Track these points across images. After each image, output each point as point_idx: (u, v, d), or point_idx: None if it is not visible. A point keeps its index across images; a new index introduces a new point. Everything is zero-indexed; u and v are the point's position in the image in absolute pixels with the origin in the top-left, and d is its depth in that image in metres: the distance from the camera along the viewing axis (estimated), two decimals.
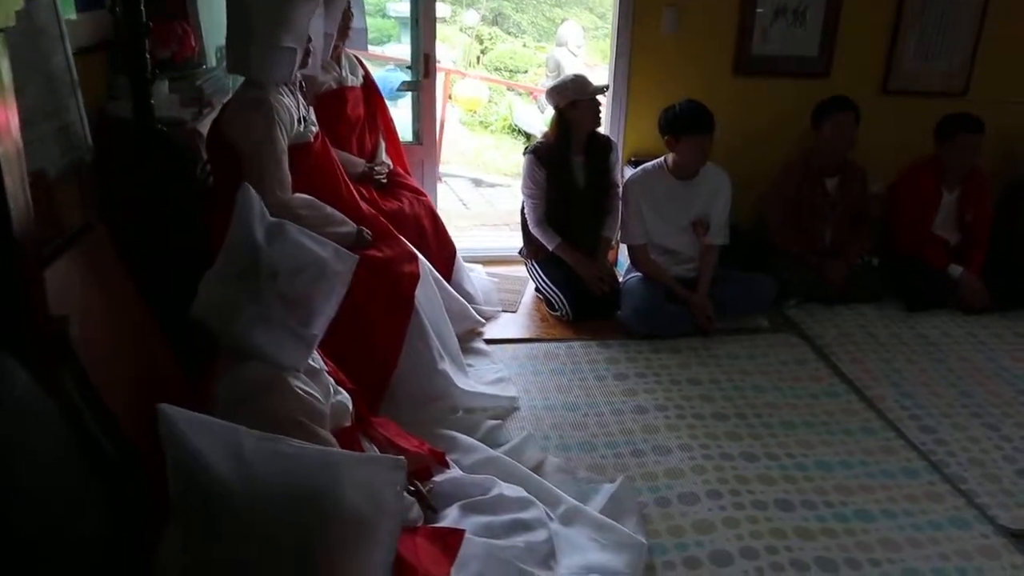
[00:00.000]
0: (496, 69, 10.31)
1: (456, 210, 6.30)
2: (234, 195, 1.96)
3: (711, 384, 3.32)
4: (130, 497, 1.76)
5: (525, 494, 2.29)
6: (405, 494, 2.04)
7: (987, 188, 4.31)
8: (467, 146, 8.37)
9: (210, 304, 1.82)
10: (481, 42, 10.95)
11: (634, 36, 4.23)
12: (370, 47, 8.22)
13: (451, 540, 1.96)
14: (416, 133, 4.45)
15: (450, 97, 8.47)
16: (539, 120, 8.15)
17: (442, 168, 6.97)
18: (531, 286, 4.15)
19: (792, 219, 4.19)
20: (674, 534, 2.42)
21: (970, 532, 2.49)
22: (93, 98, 2.53)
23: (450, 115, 8.24)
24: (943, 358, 3.63)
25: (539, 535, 2.13)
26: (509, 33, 11.45)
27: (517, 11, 11.82)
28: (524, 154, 3.95)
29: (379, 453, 2.14)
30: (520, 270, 4.26)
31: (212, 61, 3.38)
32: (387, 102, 3.94)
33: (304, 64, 2.83)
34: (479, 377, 3.23)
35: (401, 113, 4.72)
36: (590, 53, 9.44)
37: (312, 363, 1.97)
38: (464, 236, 5.07)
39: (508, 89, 9.66)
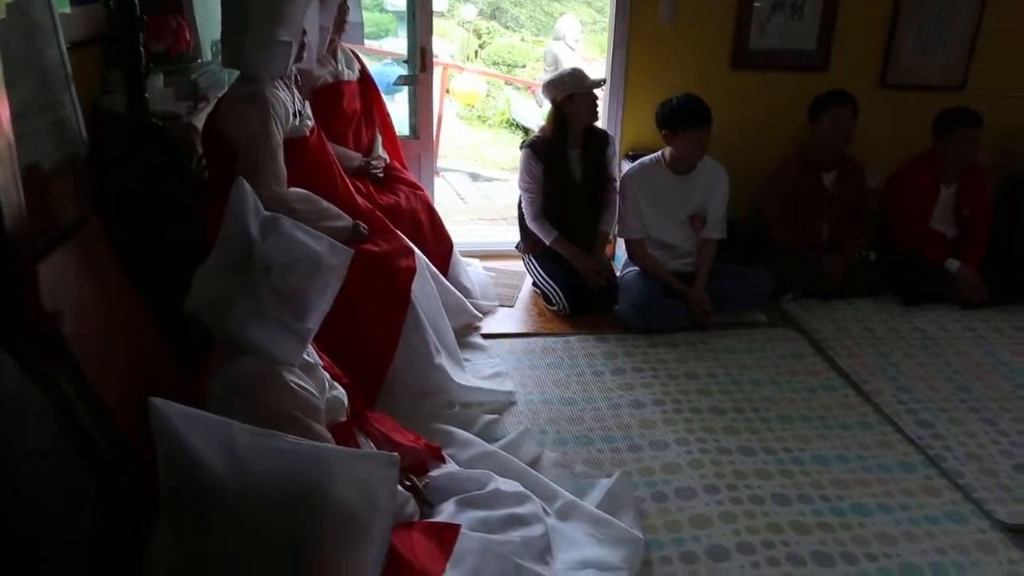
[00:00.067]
0: (494, 63, 10.28)
1: (454, 204, 6.29)
2: (229, 189, 1.95)
3: (708, 378, 3.32)
4: (124, 491, 1.76)
5: (521, 489, 2.28)
6: (401, 489, 2.04)
7: (985, 182, 4.30)
8: (465, 140, 8.35)
9: (204, 298, 1.81)
10: (479, 36, 10.93)
11: (631, 27, 4.22)
12: (368, 41, 8.22)
13: (447, 535, 1.95)
14: (413, 127, 4.44)
15: (448, 91, 8.45)
16: (537, 114, 8.13)
17: (440, 162, 6.96)
18: (528, 280, 4.14)
19: (789, 213, 4.18)
20: (671, 529, 2.42)
21: (967, 527, 2.49)
22: (87, 92, 2.52)
23: (448, 109, 8.21)
24: (940, 352, 3.63)
25: (535, 530, 2.13)
26: (507, 27, 11.42)
27: (515, 5, 11.79)
28: (521, 148, 3.95)
29: (375, 448, 2.14)
30: (517, 264, 4.25)
31: (207, 55, 3.37)
32: (384, 96, 3.93)
33: (299, 58, 2.82)
34: (476, 372, 3.23)
35: (398, 107, 4.72)
36: (588, 47, 9.42)
37: (307, 358, 1.96)
38: (462, 230, 5.07)
39: (506, 83, 9.64)
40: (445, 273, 3.56)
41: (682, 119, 3.67)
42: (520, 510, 2.17)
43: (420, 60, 4.26)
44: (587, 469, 2.69)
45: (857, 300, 4.13)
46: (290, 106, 2.79)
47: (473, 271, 4.03)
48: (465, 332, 3.54)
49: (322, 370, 2.04)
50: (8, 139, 1.56)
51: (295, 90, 2.89)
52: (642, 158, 3.93)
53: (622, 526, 2.29)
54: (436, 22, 4.42)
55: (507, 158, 7.64)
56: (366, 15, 9.01)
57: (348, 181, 3.14)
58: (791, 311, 4.00)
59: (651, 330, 3.68)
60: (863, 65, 4.46)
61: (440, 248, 3.64)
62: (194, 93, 2.96)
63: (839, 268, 4.11)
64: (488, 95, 9.38)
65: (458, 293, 3.55)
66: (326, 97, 3.40)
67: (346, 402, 2.07)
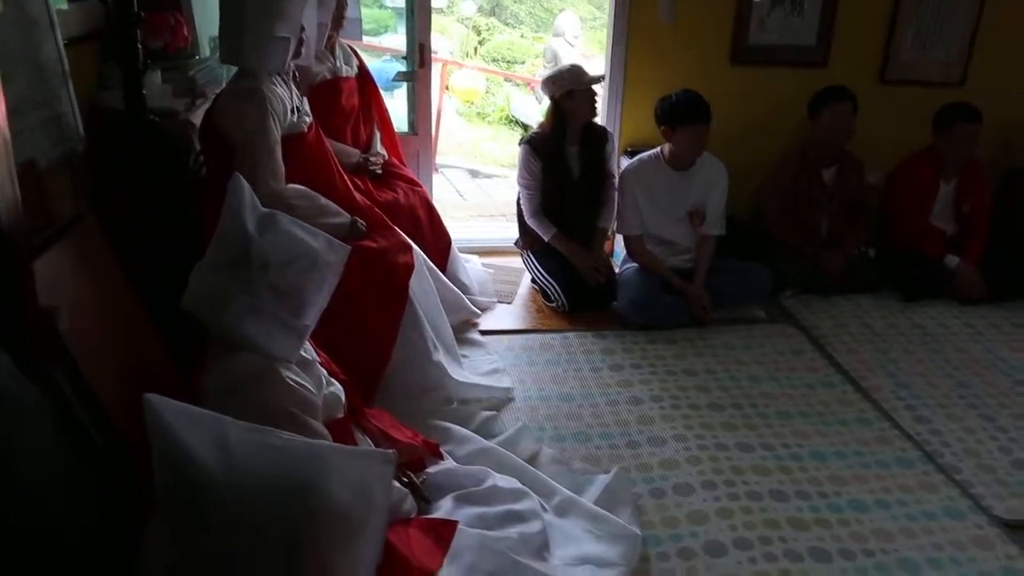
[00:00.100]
0: (494, 60, 10.27)
1: (453, 201, 6.28)
2: (227, 186, 1.95)
3: (707, 375, 3.32)
4: (120, 489, 1.76)
5: (519, 485, 2.28)
6: (398, 485, 2.04)
7: (985, 178, 4.30)
8: (464, 137, 8.35)
9: (201, 295, 1.81)
10: (479, 33, 10.91)
11: (631, 24, 4.22)
12: (367, 38, 8.20)
13: (444, 531, 1.95)
14: (411, 123, 4.44)
15: (447, 88, 8.45)
16: (536, 111, 8.12)
17: (439, 159, 6.96)
18: (527, 277, 4.14)
19: (789, 210, 4.18)
20: (668, 525, 2.42)
21: (964, 522, 2.49)
22: (85, 88, 2.52)
23: (447, 106, 8.21)
24: (939, 349, 3.63)
25: (533, 526, 2.12)
26: (507, 24, 11.40)
27: (515, 1, 11.77)
28: (520, 144, 3.94)
29: (372, 444, 2.14)
30: (516, 261, 4.25)
31: (206, 51, 3.37)
32: (383, 93, 3.93)
33: (297, 54, 2.82)
34: (474, 368, 3.23)
35: (397, 104, 4.71)
36: (587, 43, 9.41)
37: (304, 354, 1.96)
38: (460, 227, 5.06)
39: (505, 80, 9.63)
40: (443, 269, 3.56)
41: (681, 115, 3.66)
42: (518, 506, 2.16)
43: (419, 56, 4.25)
44: (585, 465, 2.69)
45: (856, 296, 4.13)
46: (288, 102, 2.78)
47: (471, 267, 4.03)
48: (463, 328, 3.54)
49: (319, 366, 2.04)
50: (4, 135, 1.56)
51: (293, 86, 2.88)
52: (641, 154, 3.92)
53: (620, 522, 2.29)
54: (435, 18, 4.42)
55: (506, 155, 7.64)
56: (365, 11, 8.98)
57: (346, 177, 3.13)
58: (790, 307, 4.00)
59: (650, 326, 3.68)
60: (863, 61, 4.45)
61: (438, 244, 3.64)
62: (192, 89, 2.96)
63: (838, 264, 4.11)
64: (487, 91, 9.38)
65: (456, 289, 3.55)
66: (324, 93, 3.40)
67: (343, 398, 2.07)
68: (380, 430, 2.21)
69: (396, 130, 3.98)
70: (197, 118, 2.84)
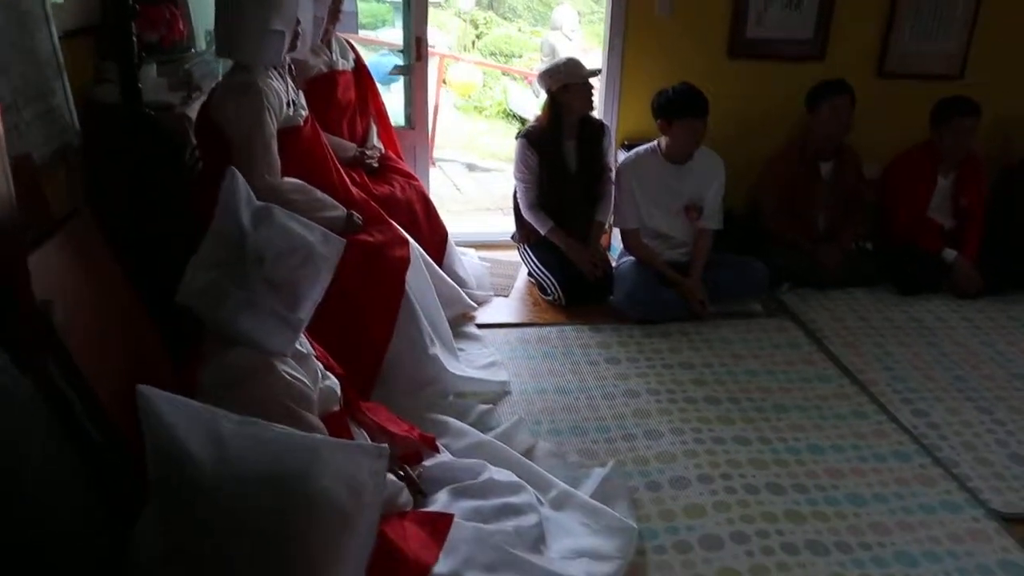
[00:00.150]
0: (491, 54, 10.25)
1: (450, 195, 6.27)
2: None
3: (704, 368, 3.32)
4: (117, 484, 1.76)
5: (515, 478, 2.28)
6: (394, 479, 2.05)
7: (983, 173, 4.30)
8: (461, 131, 8.34)
9: (196, 289, 1.80)
10: (476, 27, 10.88)
11: (628, 18, 4.21)
12: (364, 32, 8.19)
13: (440, 524, 1.96)
14: (408, 117, 4.43)
15: (444, 82, 8.43)
16: (534, 105, 8.11)
17: (436, 153, 6.94)
18: (523, 270, 4.14)
19: (786, 204, 4.17)
20: (665, 518, 2.42)
21: (961, 516, 2.50)
22: (80, 83, 2.51)
23: (444, 100, 8.19)
24: (937, 342, 3.63)
25: (529, 519, 2.13)
26: (504, 18, 11.37)
27: None
28: (516, 138, 3.94)
29: (368, 438, 2.14)
30: (513, 254, 4.25)
31: (201, 45, 3.36)
32: (380, 87, 3.92)
33: (293, 47, 2.81)
34: (470, 361, 3.22)
35: (393, 97, 4.70)
36: (585, 37, 9.39)
37: (300, 348, 1.96)
38: (458, 221, 5.06)
39: (503, 74, 9.61)
40: (440, 263, 3.56)
41: (678, 108, 3.65)
42: (514, 499, 2.17)
43: (415, 50, 4.24)
44: (581, 459, 2.70)
45: (853, 290, 4.13)
46: (284, 96, 2.78)
47: (468, 261, 4.03)
48: (460, 322, 3.54)
49: (315, 360, 2.04)
50: None
51: (289, 80, 2.88)
52: (638, 148, 3.92)
53: (616, 515, 2.29)
54: (433, 12, 4.41)
55: (504, 149, 7.62)
56: (362, 5, 8.98)
57: (343, 171, 3.13)
58: (787, 301, 4.00)
59: (646, 320, 3.68)
60: (861, 54, 4.44)
61: (435, 238, 3.64)
62: (188, 83, 2.96)
63: (836, 258, 4.10)
64: (485, 85, 9.36)
65: (453, 283, 3.54)
66: (320, 87, 3.39)
67: (339, 392, 2.07)
68: (376, 424, 2.22)
69: (393, 124, 3.98)
70: (193, 112, 2.83)
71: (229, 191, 1.87)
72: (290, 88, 2.86)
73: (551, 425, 2.89)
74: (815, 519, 2.45)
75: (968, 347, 3.59)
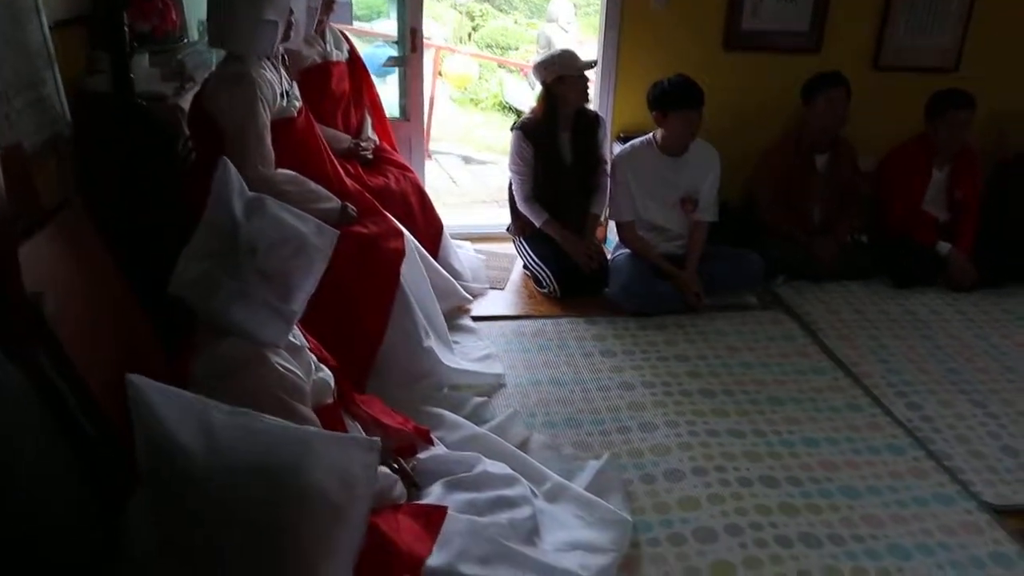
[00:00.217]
0: (487, 46, 10.23)
1: (445, 187, 6.26)
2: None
3: (699, 360, 3.32)
4: (109, 477, 1.75)
5: (510, 471, 2.28)
6: (388, 471, 2.04)
7: (978, 166, 4.29)
8: (457, 123, 8.32)
9: (188, 280, 1.79)
10: (472, 19, 10.86)
11: (624, 10, 4.20)
12: (359, 23, 8.16)
13: (434, 517, 1.95)
14: (403, 109, 4.42)
15: (440, 74, 8.41)
16: (530, 97, 8.10)
17: (432, 145, 6.93)
18: (519, 263, 4.13)
19: (782, 196, 4.17)
20: (659, 511, 2.42)
21: (954, 508, 2.50)
22: (72, 72, 2.50)
23: (440, 92, 8.17)
24: (931, 335, 3.63)
25: (523, 512, 2.12)
26: (500, 10, 11.35)
27: None
28: (511, 130, 3.92)
29: (362, 431, 2.13)
30: (508, 247, 4.24)
31: (194, 35, 3.34)
32: (375, 78, 3.90)
33: (286, 37, 2.79)
34: (465, 354, 3.22)
35: (388, 89, 4.68)
36: (581, 29, 9.37)
37: (293, 339, 1.95)
38: (453, 213, 5.05)
39: (499, 66, 9.59)
40: (435, 255, 3.55)
41: (673, 100, 3.65)
42: (508, 492, 2.16)
43: (410, 41, 4.23)
44: (576, 451, 2.69)
45: (848, 283, 4.13)
46: (277, 87, 2.76)
47: (464, 253, 4.02)
48: (455, 315, 3.53)
49: (309, 352, 2.03)
50: None
51: (282, 70, 2.86)
52: (633, 140, 3.91)
53: (610, 508, 2.29)
54: (429, 4, 4.39)
55: (499, 141, 7.60)
56: None
57: (337, 163, 3.11)
58: (782, 294, 4.00)
59: (641, 313, 3.68)
60: (856, 47, 4.43)
61: (430, 230, 3.63)
62: (181, 74, 2.94)
63: (831, 251, 4.10)
64: (481, 78, 9.34)
65: (448, 276, 3.53)
66: (314, 78, 3.37)
67: (332, 384, 2.06)
68: (370, 416, 2.21)
69: (387, 116, 3.96)
70: (186, 103, 2.82)
71: (221, 181, 1.86)
72: (283, 79, 2.84)
73: (546, 418, 2.89)
74: (809, 511, 2.45)
75: (962, 340, 3.59)
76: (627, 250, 3.87)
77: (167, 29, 2.96)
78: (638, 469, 2.61)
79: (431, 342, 2.99)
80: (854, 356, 3.41)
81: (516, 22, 11.02)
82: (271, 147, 2.67)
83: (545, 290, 3.87)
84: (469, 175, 6.77)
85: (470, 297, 3.69)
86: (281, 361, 1.83)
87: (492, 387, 3.05)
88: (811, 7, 4.31)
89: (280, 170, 2.71)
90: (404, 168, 3.71)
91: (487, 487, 2.16)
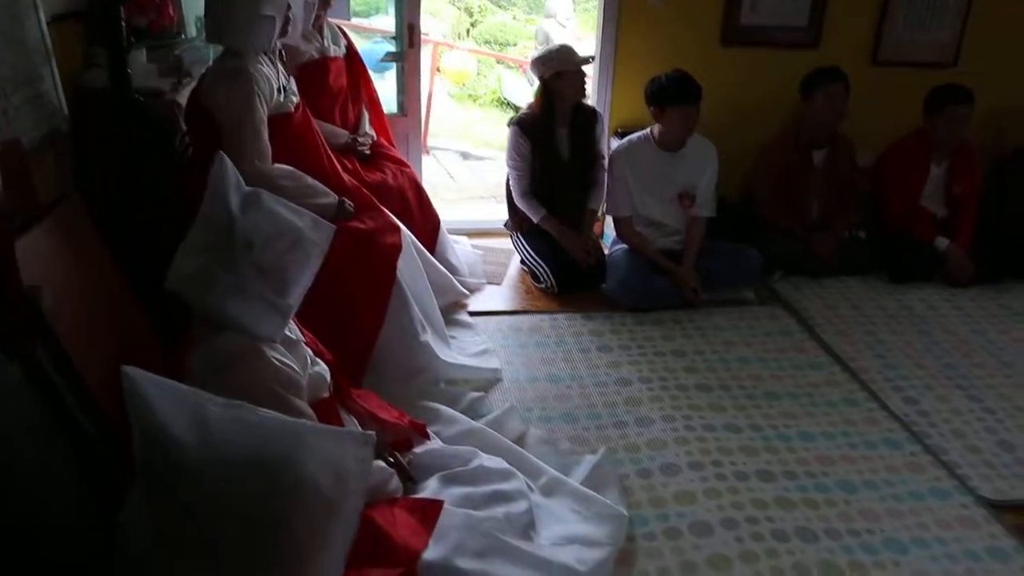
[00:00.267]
0: (486, 42, 10.23)
1: (444, 183, 6.26)
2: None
3: (695, 356, 3.32)
4: (108, 474, 1.75)
5: (506, 465, 2.28)
6: (384, 465, 2.05)
7: (976, 161, 4.29)
8: (455, 119, 8.32)
9: (185, 274, 1.79)
10: (471, 15, 10.86)
11: (622, 5, 4.19)
12: (357, 19, 8.15)
13: (430, 511, 1.96)
14: (401, 105, 4.42)
15: (438, 70, 8.40)
16: (528, 93, 8.09)
17: (430, 141, 6.93)
18: (516, 258, 4.13)
19: (780, 192, 4.17)
20: (655, 505, 2.43)
21: (950, 503, 2.50)
22: (69, 68, 2.50)
23: (438, 88, 8.16)
24: (928, 330, 3.63)
25: (519, 506, 2.13)
26: (499, 6, 11.35)
27: None
28: (508, 125, 3.92)
29: (358, 425, 2.13)
30: (505, 242, 4.24)
31: (192, 31, 3.34)
32: (373, 74, 3.90)
33: (284, 33, 2.79)
34: (462, 349, 3.22)
35: (386, 85, 4.68)
36: (579, 25, 9.37)
37: (289, 334, 1.95)
38: (451, 209, 5.05)
39: (497, 62, 9.59)
40: (432, 251, 3.55)
41: (671, 95, 3.65)
42: (504, 486, 2.17)
43: (408, 37, 4.22)
44: (572, 446, 2.70)
45: (846, 278, 4.13)
46: (274, 82, 2.76)
47: (461, 249, 4.03)
48: (452, 310, 3.54)
49: (304, 346, 2.04)
50: None
51: (280, 66, 2.86)
52: (631, 135, 3.91)
53: (606, 502, 2.30)
54: (427, 0, 4.38)
55: (497, 137, 7.59)
56: None
57: (334, 158, 3.11)
58: (780, 289, 4.00)
59: (639, 308, 3.68)
60: (855, 42, 4.43)
61: (427, 225, 3.63)
62: (178, 69, 2.94)
63: (829, 247, 4.10)
64: (479, 74, 9.34)
65: (445, 271, 3.54)
66: (312, 73, 3.37)
67: (328, 378, 2.06)
68: (366, 410, 2.21)
69: (385, 111, 3.96)
70: (183, 98, 2.81)
71: (218, 176, 1.86)
72: (281, 74, 2.84)
73: (542, 412, 2.89)
74: (805, 506, 2.46)
75: (959, 335, 3.60)
76: (624, 246, 3.87)
77: (164, 24, 2.97)
78: (634, 464, 2.62)
79: (428, 337, 2.99)
80: (851, 351, 3.41)
81: (515, 18, 11.02)
82: (268, 142, 2.68)
83: (542, 285, 3.87)
84: (467, 171, 6.77)
85: (467, 292, 3.70)
86: (277, 355, 1.83)
87: (489, 382, 3.05)
88: (810, 2, 4.31)
89: (277, 165, 2.71)
90: (401, 164, 3.71)
91: (483, 481, 2.17)
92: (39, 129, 2.20)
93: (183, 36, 3.19)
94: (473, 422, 2.62)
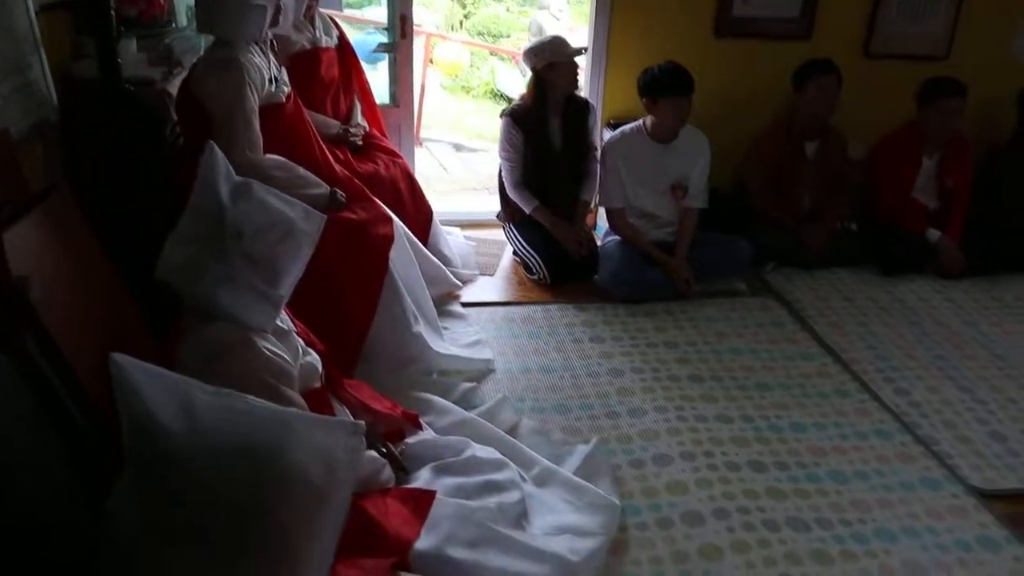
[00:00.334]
0: (479, 33, 10.19)
1: (436, 175, 6.25)
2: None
3: (688, 347, 3.32)
4: (99, 466, 1.75)
5: (498, 455, 2.28)
6: (377, 455, 2.04)
7: (968, 154, 4.30)
8: (448, 111, 8.29)
9: (175, 264, 1.79)
10: (464, 6, 10.82)
11: None
12: (349, 10, 8.12)
13: (422, 501, 1.96)
14: (393, 96, 4.40)
15: (431, 61, 8.38)
16: (521, 84, 8.07)
17: (423, 133, 6.91)
18: (509, 249, 4.13)
19: (772, 183, 4.17)
20: (647, 495, 2.44)
21: (940, 492, 2.52)
22: (58, 57, 2.48)
23: (431, 80, 8.14)
24: (919, 322, 3.64)
25: (511, 496, 2.13)
26: None
27: None
28: (501, 116, 3.92)
29: (350, 415, 2.13)
30: (498, 233, 4.24)
31: (183, 20, 3.32)
32: (365, 65, 3.89)
33: (275, 22, 2.78)
34: (455, 340, 3.22)
35: (378, 76, 4.67)
36: (573, 16, 9.34)
37: (280, 324, 1.95)
38: (444, 200, 5.04)
39: (490, 53, 9.56)
40: (425, 242, 3.54)
41: (663, 87, 3.64)
42: (496, 476, 2.17)
43: (400, 28, 4.21)
44: (564, 436, 2.70)
45: (838, 270, 4.13)
46: (266, 72, 2.75)
47: (453, 240, 4.02)
48: (445, 301, 3.54)
49: (296, 336, 2.03)
50: None
51: (271, 56, 2.85)
52: (623, 127, 3.90)
53: (599, 492, 2.30)
54: None
55: (490, 128, 7.57)
56: None
57: (326, 149, 3.10)
58: (772, 281, 4.01)
59: (631, 299, 3.68)
60: (847, 34, 4.42)
61: (420, 217, 3.62)
62: (168, 59, 2.93)
63: (820, 238, 4.10)
64: (472, 65, 9.31)
65: (437, 262, 3.53)
66: (303, 64, 3.36)
67: (320, 368, 2.06)
68: (358, 401, 2.21)
69: (378, 102, 3.95)
70: (174, 88, 2.80)
71: (208, 166, 1.85)
72: (272, 64, 2.83)
73: (535, 403, 2.89)
74: (796, 496, 2.47)
75: (950, 327, 3.61)
76: (617, 237, 3.87)
77: (155, 14, 2.95)
78: (627, 454, 2.62)
79: (420, 328, 2.99)
80: (843, 343, 3.42)
81: (508, 9, 10.97)
82: (259, 132, 2.67)
83: (535, 276, 3.87)
84: (460, 162, 6.76)
85: (460, 283, 3.69)
86: (268, 345, 1.83)
87: (481, 373, 3.05)
88: None
89: (268, 155, 2.70)
90: (393, 154, 3.70)
91: (476, 471, 2.17)
92: (28, 119, 2.19)
93: (173, 25, 3.17)
94: (466, 412, 2.62)
